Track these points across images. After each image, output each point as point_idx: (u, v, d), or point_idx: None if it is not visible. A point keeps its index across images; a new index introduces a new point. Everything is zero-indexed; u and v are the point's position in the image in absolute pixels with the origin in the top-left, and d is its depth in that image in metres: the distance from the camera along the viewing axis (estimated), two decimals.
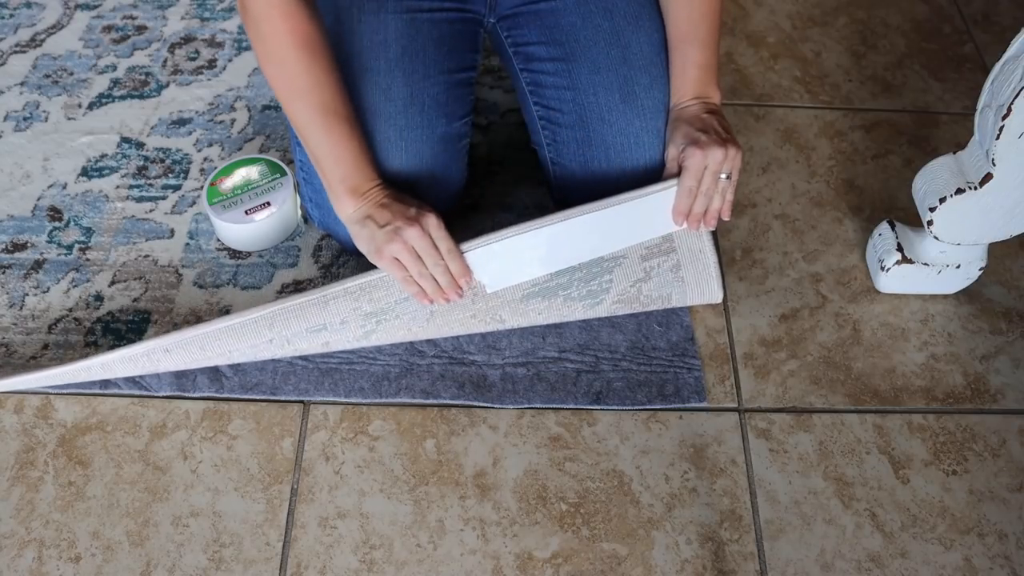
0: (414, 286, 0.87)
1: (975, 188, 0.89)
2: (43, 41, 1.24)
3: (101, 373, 0.90)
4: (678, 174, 0.89)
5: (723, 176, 0.88)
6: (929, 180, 0.93)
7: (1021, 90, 0.80)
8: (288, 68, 0.84)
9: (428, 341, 0.96)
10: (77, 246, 1.04)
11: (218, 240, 1.05)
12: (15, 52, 1.23)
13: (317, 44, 0.84)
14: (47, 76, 1.20)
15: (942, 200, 0.91)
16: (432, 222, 0.85)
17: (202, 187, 1.05)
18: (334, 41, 0.92)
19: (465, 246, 0.90)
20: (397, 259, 0.86)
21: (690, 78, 0.92)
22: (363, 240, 0.87)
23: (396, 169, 0.92)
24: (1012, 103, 0.81)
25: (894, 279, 1.02)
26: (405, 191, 0.90)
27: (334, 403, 0.93)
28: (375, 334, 0.91)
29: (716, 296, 0.95)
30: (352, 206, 0.87)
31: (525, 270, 0.90)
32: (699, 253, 0.92)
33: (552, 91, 0.96)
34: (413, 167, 0.93)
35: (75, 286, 1.00)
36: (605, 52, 0.94)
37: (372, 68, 0.91)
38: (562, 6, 0.96)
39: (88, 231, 1.05)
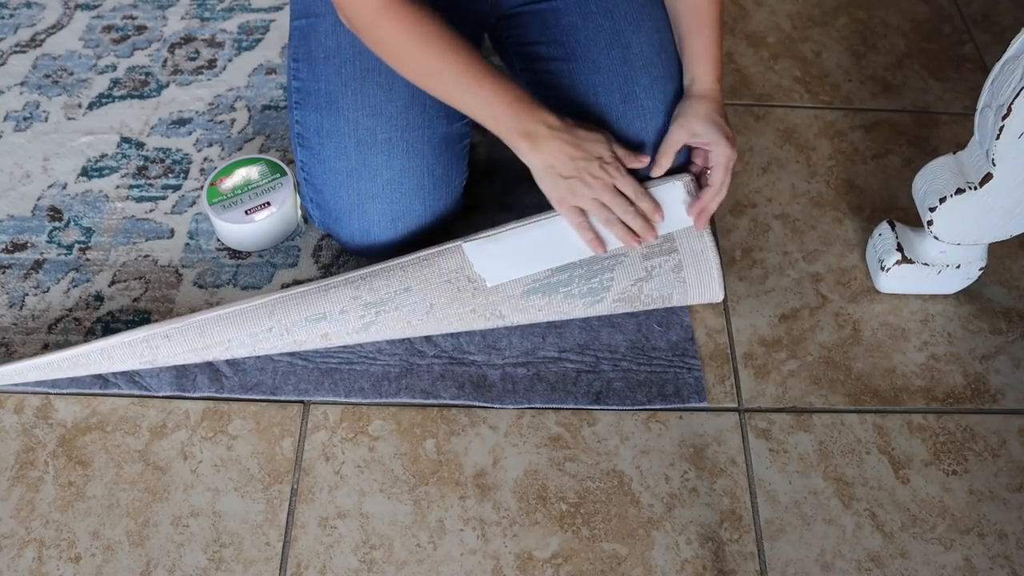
0: (589, 232, 0.88)
1: (975, 188, 0.89)
2: (43, 41, 1.24)
3: (99, 361, 0.90)
4: (682, 152, 0.91)
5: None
6: (929, 180, 0.93)
7: (1021, 90, 0.80)
8: (413, 61, 0.85)
9: (428, 341, 0.96)
10: (77, 246, 1.04)
11: (218, 240, 1.05)
12: (15, 52, 1.23)
13: (428, 25, 0.84)
14: (47, 76, 1.20)
15: (942, 200, 0.91)
16: (612, 169, 0.86)
17: (202, 187, 1.05)
18: (335, 42, 0.92)
19: (466, 240, 0.90)
20: (579, 211, 0.87)
21: (714, 59, 0.92)
22: (546, 188, 0.88)
23: (397, 169, 0.92)
24: (1012, 103, 0.81)
25: (894, 279, 1.02)
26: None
27: (334, 403, 0.93)
28: (374, 326, 0.91)
29: (717, 296, 0.95)
30: (531, 153, 0.86)
31: (526, 265, 0.91)
32: (701, 254, 0.92)
33: (553, 91, 0.96)
34: (414, 167, 0.93)
35: (75, 286, 1.00)
36: (605, 52, 0.94)
37: (374, 68, 0.91)
38: (563, 6, 0.96)
39: (88, 231, 1.05)
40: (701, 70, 0.92)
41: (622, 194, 0.87)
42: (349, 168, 0.93)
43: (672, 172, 0.93)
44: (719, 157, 0.90)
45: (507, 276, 0.91)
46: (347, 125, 0.92)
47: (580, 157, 0.86)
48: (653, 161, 0.92)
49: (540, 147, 0.86)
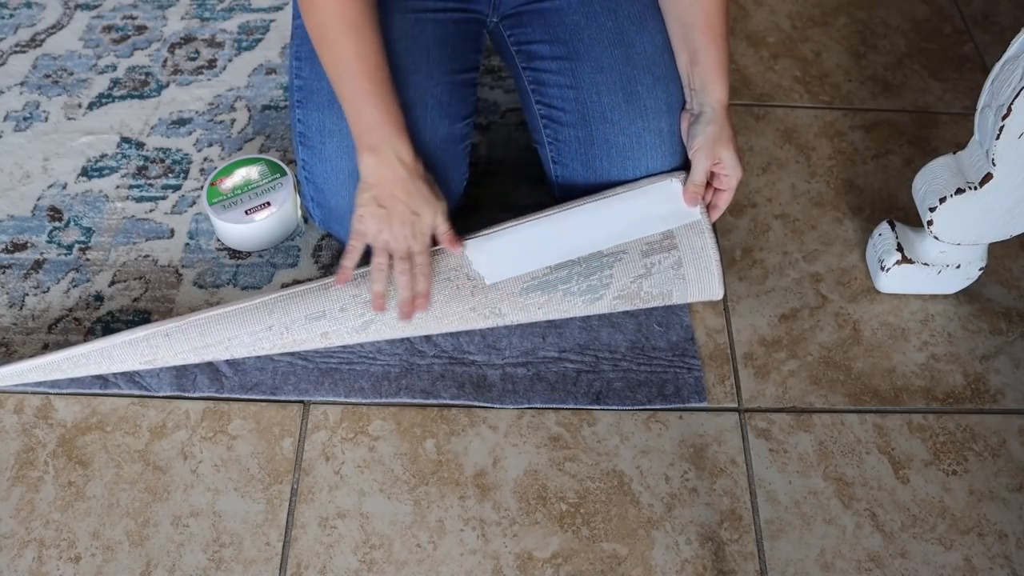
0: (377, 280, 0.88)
1: (975, 188, 0.89)
2: (43, 41, 1.24)
3: (100, 361, 0.90)
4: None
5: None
6: (929, 180, 0.93)
7: (1021, 90, 0.80)
8: (336, 47, 0.85)
9: (428, 341, 0.96)
10: (77, 246, 1.04)
11: (218, 240, 1.05)
12: (15, 52, 1.23)
13: (364, 23, 0.84)
14: (47, 76, 1.20)
15: (942, 200, 0.91)
16: (419, 237, 0.87)
17: (202, 187, 1.05)
18: None
19: (465, 239, 0.90)
20: (365, 234, 0.87)
21: (728, 74, 0.92)
22: (358, 200, 0.87)
23: None
24: (1012, 103, 0.81)
25: (894, 279, 1.02)
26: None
27: (334, 403, 0.93)
28: (373, 325, 0.91)
29: (717, 293, 0.95)
30: (366, 165, 0.86)
31: (525, 262, 0.91)
32: (701, 251, 0.92)
33: (554, 90, 0.96)
34: None
35: (75, 286, 1.00)
36: (608, 51, 0.94)
37: None
38: (566, 5, 0.96)
39: (88, 231, 1.05)
40: (720, 86, 0.91)
41: (408, 259, 0.88)
42: (351, 167, 0.92)
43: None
44: (731, 181, 0.92)
45: (506, 274, 0.91)
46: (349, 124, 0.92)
47: (403, 202, 0.86)
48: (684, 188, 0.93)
49: (379, 168, 0.86)
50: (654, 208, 0.92)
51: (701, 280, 0.94)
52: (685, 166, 0.95)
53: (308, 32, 0.87)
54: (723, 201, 0.93)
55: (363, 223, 0.87)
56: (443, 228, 0.89)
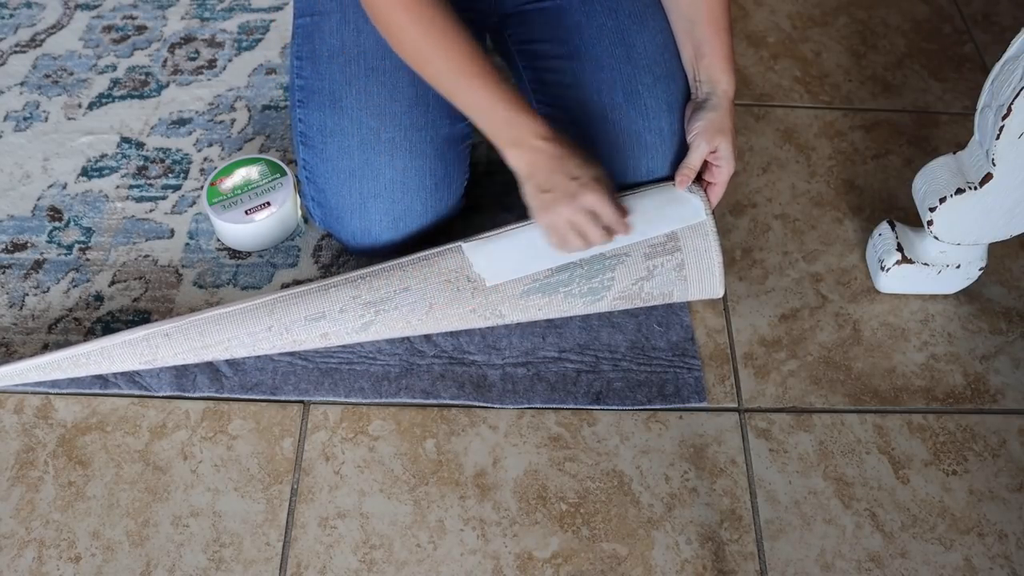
0: (561, 243, 0.88)
1: (975, 188, 0.89)
2: (43, 41, 1.24)
3: (100, 361, 0.90)
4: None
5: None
6: (929, 180, 0.93)
7: (1021, 90, 0.80)
8: (408, 42, 0.84)
9: (428, 341, 0.96)
10: (77, 246, 1.04)
11: (218, 240, 1.05)
12: (15, 52, 1.23)
13: (431, 9, 0.83)
14: (47, 76, 1.20)
15: (942, 200, 0.91)
16: (589, 200, 0.85)
17: (202, 187, 1.05)
18: (339, 41, 0.92)
19: (466, 240, 0.90)
20: (556, 226, 0.86)
21: (732, 64, 0.92)
22: (526, 195, 0.87)
23: (400, 169, 0.92)
24: (1012, 103, 0.81)
25: (894, 279, 1.02)
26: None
27: (334, 403, 0.93)
28: (373, 325, 0.91)
29: (717, 292, 0.95)
30: (515, 159, 0.86)
31: (526, 265, 0.91)
32: (704, 252, 0.92)
33: (555, 89, 0.96)
34: (416, 168, 0.93)
35: (75, 286, 1.00)
36: (609, 51, 0.94)
37: (378, 68, 0.91)
38: (567, 4, 0.96)
39: (88, 231, 1.05)
40: (726, 77, 0.91)
41: (593, 214, 0.86)
42: (352, 167, 0.93)
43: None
44: (723, 174, 0.92)
45: (507, 276, 0.91)
46: (351, 124, 0.92)
47: (560, 175, 0.84)
48: (675, 172, 0.93)
49: (525, 157, 0.85)
50: (659, 211, 0.91)
51: (703, 280, 0.94)
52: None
53: (403, 57, 0.86)
54: (715, 195, 0.93)
55: (545, 217, 0.86)
56: (609, 207, 0.86)
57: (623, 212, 0.88)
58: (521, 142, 0.85)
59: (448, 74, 0.85)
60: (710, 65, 0.92)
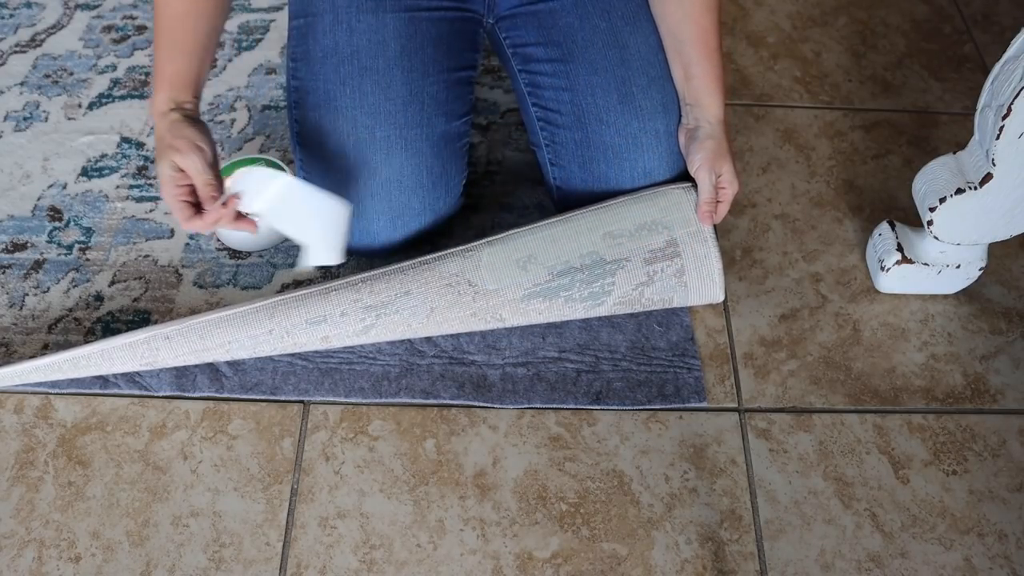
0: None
1: (975, 188, 0.89)
2: (43, 41, 1.24)
3: (100, 362, 0.90)
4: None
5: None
6: (929, 180, 0.93)
7: (1021, 90, 0.80)
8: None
9: (428, 341, 0.96)
10: (77, 246, 1.04)
11: (218, 240, 1.05)
12: (15, 52, 1.23)
13: None
14: (47, 76, 1.20)
15: (942, 200, 0.91)
16: (179, 160, 0.83)
17: None
18: (333, 41, 0.92)
19: (466, 246, 0.90)
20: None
21: (723, 88, 0.92)
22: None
23: (396, 167, 0.92)
24: (1012, 103, 0.81)
25: (894, 279, 1.02)
26: (409, 189, 0.90)
27: (334, 403, 0.93)
28: (374, 329, 0.91)
29: (718, 297, 0.95)
30: (157, 104, 0.86)
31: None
32: (704, 259, 0.92)
33: (550, 92, 0.96)
34: (413, 165, 0.93)
35: (75, 286, 1.00)
36: (603, 53, 0.94)
37: (371, 67, 0.91)
38: (560, 6, 0.96)
39: (88, 231, 1.05)
40: (715, 101, 0.92)
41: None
42: (348, 167, 0.93)
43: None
44: (729, 194, 0.92)
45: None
46: (346, 124, 0.92)
47: (170, 143, 0.83)
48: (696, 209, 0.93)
49: (168, 109, 0.85)
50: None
51: (703, 286, 0.94)
52: (684, 175, 0.95)
53: None
54: (720, 212, 0.93)
55: (156, 166, 0.86)
56: (204, 179, 0.85)
57: (212, 184, 0.86)
58: (161, 110, 0.85)
59: (162, 26, 0.85)
60: (699, 87, 0.92)
